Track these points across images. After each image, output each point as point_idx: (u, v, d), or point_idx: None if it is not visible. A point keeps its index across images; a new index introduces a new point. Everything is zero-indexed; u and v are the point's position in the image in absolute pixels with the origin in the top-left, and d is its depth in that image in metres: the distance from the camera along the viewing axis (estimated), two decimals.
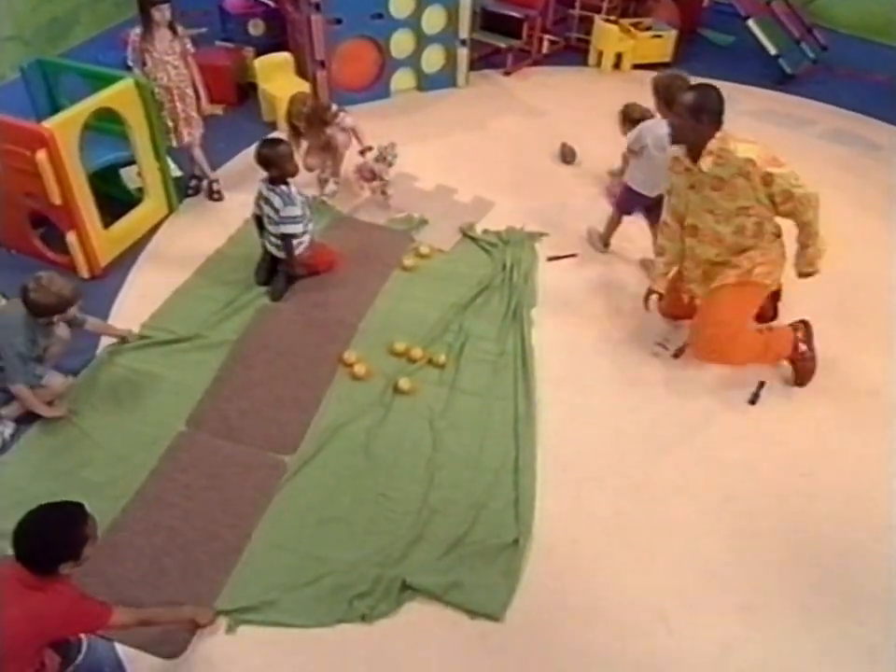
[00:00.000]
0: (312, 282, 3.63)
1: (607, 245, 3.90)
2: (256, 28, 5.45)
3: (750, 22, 5.69)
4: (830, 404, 3.10)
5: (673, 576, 2.50)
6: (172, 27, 3.79)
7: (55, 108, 3.70)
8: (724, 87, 5.42)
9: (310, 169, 4.14)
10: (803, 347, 3.12)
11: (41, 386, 2.86)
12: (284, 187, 3.39)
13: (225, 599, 2.35)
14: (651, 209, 3.64)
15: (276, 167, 3.37)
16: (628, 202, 3.72)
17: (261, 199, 3.46)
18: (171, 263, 3.71)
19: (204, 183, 4.26)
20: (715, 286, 2.98)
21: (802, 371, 3.13)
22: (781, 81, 5.72)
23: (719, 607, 2.42)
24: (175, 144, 4.05)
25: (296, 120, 3.98)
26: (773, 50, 5.71)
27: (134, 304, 3.45)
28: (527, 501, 2.66)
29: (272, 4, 5.55)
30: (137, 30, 3.79)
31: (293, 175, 3.46)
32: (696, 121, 2.77)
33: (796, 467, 2.85)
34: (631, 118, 3.90)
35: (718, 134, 2.80)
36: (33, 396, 2.81)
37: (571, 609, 2.40)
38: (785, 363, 3.18)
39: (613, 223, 3.84)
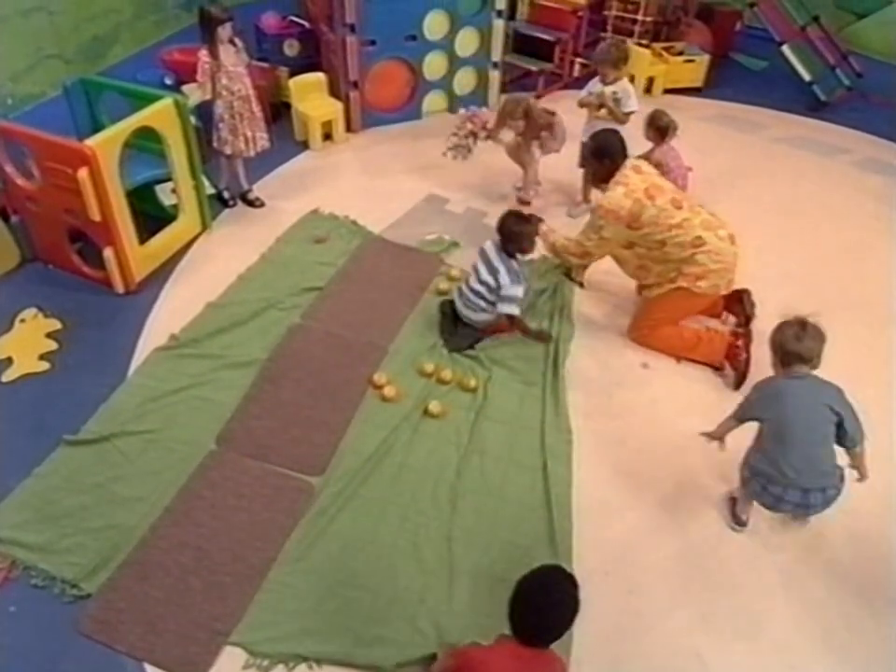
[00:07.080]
0: (342, 303, 3.64)
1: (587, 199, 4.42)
2: (291, 48, 5.54)
3: (785, 48, 5.67)
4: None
5: (709, 613, 2.43)
6: (233, 42, 3.91)
7: (96, 126, 3.78)
8: (756, 112, 5.60)
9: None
10: (741, 354, 3.25)
11: None
12: (516, 263, 3.30)
13: (247, 626, 2.32)
14: None
15: (517, 245, 3.29)
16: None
17: (485, 261, 3.33)
18: (204, 280, 3.73)
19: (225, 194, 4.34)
20: (656, 293, 3.36)
21: (737, 374, 3.25)
22: (815, 108, 5.67)
23: (756, 647, 2.34)
24: (251, 153, 4.18)
25: (511, 119, 4.17)
26: (807, 77, 5.67)
27: (167, 320, 3.47)
28: (565, 541, 2.60)
29: (307, 25, 5.65)
30: (204, 50, 3.86)
31: (528, 253, 3.42)
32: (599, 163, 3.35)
33: (837, 504, 2.77)
34: (657, 124, 4.02)
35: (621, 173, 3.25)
36: None
37: (609, 642, 2.34)
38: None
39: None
